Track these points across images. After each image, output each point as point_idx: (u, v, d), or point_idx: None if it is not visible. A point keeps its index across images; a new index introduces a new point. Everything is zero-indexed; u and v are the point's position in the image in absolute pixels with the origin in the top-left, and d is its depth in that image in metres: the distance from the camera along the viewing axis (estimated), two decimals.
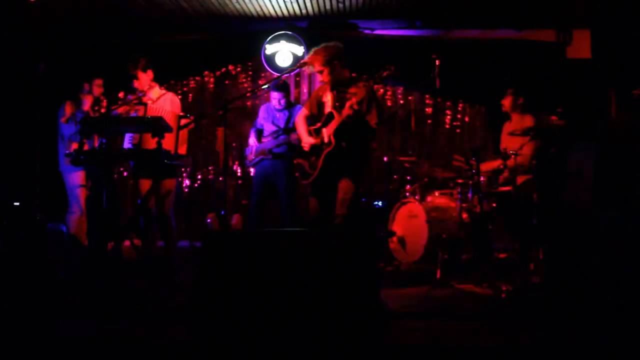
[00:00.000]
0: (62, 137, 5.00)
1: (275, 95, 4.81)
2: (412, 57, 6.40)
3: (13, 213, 4.67)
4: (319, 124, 3.89)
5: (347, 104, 3.61)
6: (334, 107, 3.78)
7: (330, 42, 3.81)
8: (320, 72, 3.81)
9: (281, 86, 4.79)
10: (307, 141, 3.89)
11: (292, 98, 5.13)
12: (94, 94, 4.99)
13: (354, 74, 3.91)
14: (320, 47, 3.81)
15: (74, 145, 4.63)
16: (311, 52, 3.86)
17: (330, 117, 3.77)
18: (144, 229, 4.31)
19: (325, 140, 3.75)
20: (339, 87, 3.83)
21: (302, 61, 4.04)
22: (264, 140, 4.90)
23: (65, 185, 5.00)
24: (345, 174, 3.75)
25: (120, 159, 5.08)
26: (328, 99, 3.89)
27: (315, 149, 3.83)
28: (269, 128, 4.92)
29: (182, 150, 4.16)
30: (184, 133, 4.17)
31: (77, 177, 4.94)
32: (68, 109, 4.95)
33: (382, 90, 6.84)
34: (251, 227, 5.00)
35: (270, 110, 4.96)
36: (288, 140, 4.68)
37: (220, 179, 6.59)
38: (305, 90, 6.83)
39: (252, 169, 5.10)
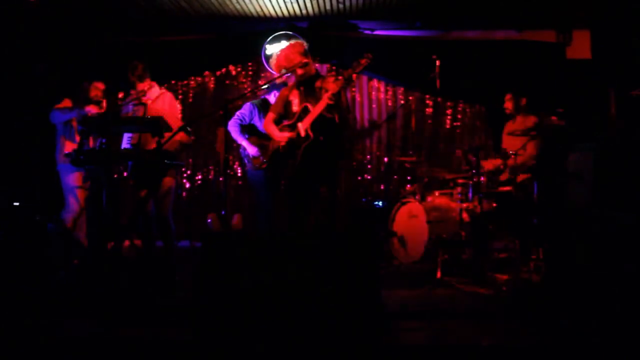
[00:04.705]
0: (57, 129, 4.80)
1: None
2: (412, 58, 6.42)
3: (13, 213, 4.67)
4: (289, 121, 3.82)
5: (325, 96, 3.58)
6: (307, 101, 3.73)
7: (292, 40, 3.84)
8: (304, 65, 3.76)
9: None
10: (283, 136, 3.81)
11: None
12: (90, 96, 4.78)
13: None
14: (289, 44, 3.85)
15: (68, 145, 4.57)
16: (284, 49, 3.83)
17: (305, 111, 3.71)
18: (143, 230, 4.31)
19: (302, 134, 3.68)
20: (305, 84, 3.81)
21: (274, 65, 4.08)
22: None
23: (62, 185, 4.93)
24: (325, 173, 3.70)
25: (120, 159, 5.07)
26: (295, 96, 3.87)
27: (293, 143, 3.75)
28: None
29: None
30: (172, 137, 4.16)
31: (73, 178, 4.85)
32: (67, 104, 4.82)
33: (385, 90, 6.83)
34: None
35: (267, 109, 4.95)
36: None
37: (221, 179, 6.58)
38: None
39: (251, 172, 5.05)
